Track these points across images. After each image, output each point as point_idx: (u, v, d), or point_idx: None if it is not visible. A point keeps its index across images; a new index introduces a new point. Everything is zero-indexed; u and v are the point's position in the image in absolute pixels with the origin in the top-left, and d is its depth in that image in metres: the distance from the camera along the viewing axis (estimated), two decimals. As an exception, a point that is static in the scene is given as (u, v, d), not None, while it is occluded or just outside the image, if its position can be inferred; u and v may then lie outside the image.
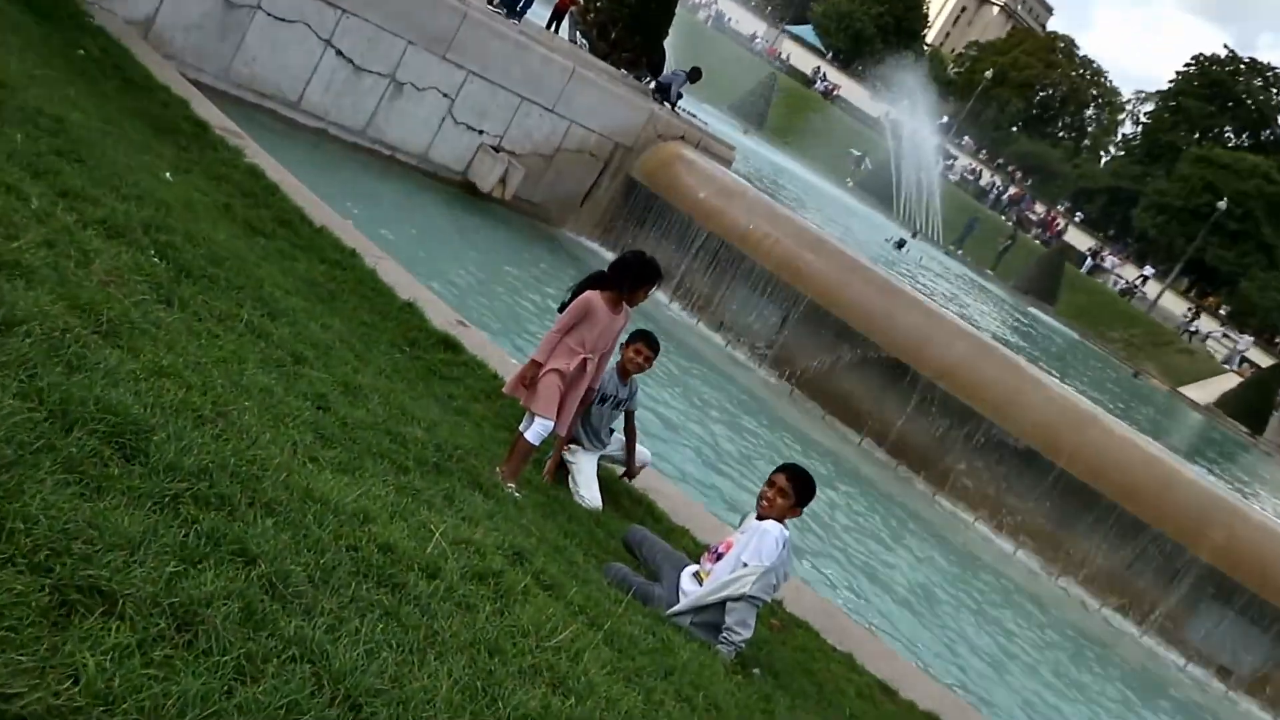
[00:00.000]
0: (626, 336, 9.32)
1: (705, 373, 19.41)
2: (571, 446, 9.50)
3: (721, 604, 7.47)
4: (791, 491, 7.65)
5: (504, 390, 8.64)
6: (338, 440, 5.83)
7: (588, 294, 8.17)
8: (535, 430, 8.03)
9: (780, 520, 7.65)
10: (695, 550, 9.10)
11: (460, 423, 8.62)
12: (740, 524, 8.12)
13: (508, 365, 11.08)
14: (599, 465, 9.65)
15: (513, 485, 7.84)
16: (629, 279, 8.17)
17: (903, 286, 21.67)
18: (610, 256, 19.55)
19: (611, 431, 9.76)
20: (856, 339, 20.41)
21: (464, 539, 5.45)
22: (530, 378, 8.13)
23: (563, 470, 9.41)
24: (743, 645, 7.54)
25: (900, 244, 43.85)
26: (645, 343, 9.40)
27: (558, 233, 23.15)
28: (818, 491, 8.08)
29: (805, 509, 7.85)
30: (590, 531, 8.28)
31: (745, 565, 7.46)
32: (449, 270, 16.97)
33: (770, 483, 7.73)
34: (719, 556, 7.80)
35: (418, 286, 12.16)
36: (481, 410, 9.51)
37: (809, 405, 20.54)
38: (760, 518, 7.70)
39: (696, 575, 7.83)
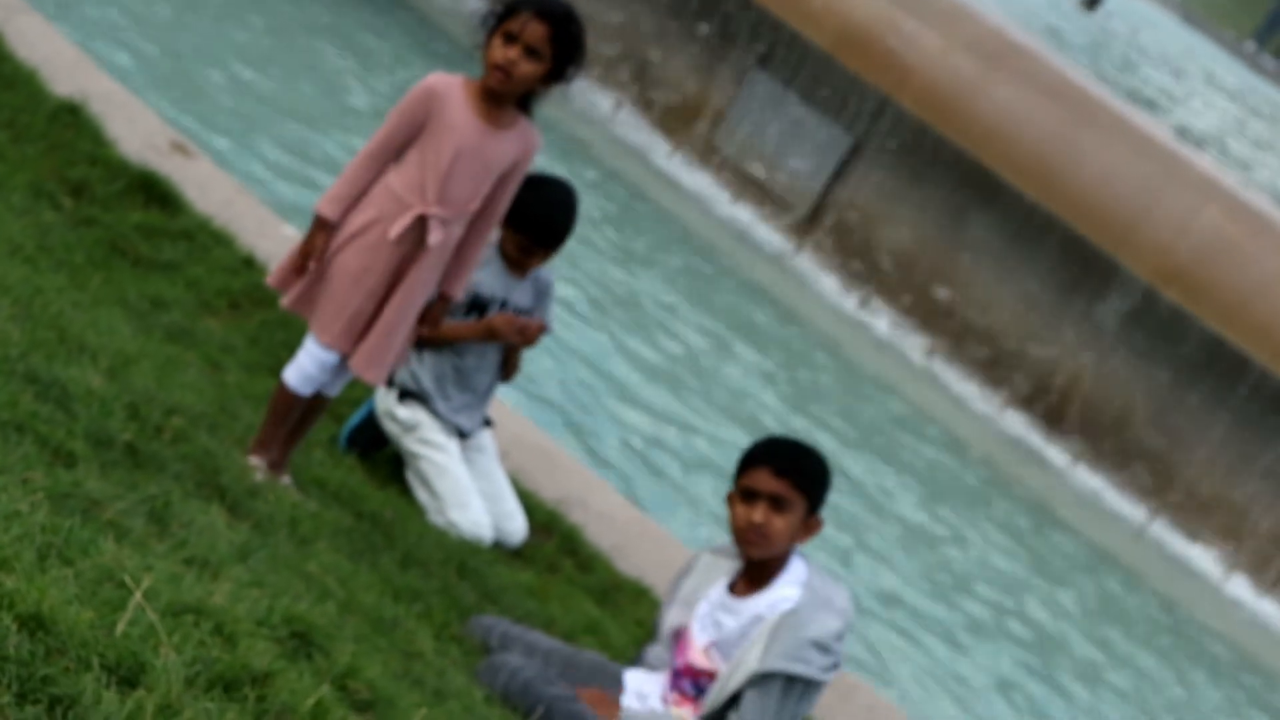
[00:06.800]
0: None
1: (680, 259, 14.61)
2: (409, 404, 6.41)
3: None
4: (795, 494, 4.99)
5: (270, 280, 5.85)
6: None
7: (429, 79, 5.54)
8: (300, 365, 5.42)
9: (784, 558, 4.97)
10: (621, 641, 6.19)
11: (179, 357, 6.23)
12: (677, 587, 5.24)
13: (278, 236, 8.10)
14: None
15: (287, 478, 5.49)
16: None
17: (1102, 94, 15.62)
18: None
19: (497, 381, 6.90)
20: (1003, 197, 14.61)
21: (192, 605, 3.76)
22: (307, 251, 5.32)
23: (381, 448, 6.48)
24: None
25: (1093, 1, 33.28)
26: (517, 226, 6.13)
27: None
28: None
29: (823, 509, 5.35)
30: (447, 586, 5.77)
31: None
32: (161, 36, 12.45)
33: (747, 491, 5.01)
34: (691, 686, 5.17)
35: (91, 69, 8.73)
36: (224, 330, 6.85)
37: (899, 331, 14.78)
38: (751, 564, 5.03)
39: None
